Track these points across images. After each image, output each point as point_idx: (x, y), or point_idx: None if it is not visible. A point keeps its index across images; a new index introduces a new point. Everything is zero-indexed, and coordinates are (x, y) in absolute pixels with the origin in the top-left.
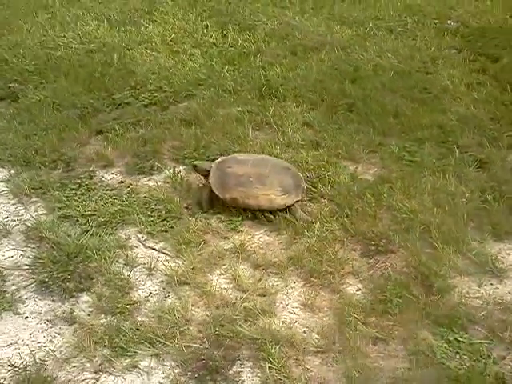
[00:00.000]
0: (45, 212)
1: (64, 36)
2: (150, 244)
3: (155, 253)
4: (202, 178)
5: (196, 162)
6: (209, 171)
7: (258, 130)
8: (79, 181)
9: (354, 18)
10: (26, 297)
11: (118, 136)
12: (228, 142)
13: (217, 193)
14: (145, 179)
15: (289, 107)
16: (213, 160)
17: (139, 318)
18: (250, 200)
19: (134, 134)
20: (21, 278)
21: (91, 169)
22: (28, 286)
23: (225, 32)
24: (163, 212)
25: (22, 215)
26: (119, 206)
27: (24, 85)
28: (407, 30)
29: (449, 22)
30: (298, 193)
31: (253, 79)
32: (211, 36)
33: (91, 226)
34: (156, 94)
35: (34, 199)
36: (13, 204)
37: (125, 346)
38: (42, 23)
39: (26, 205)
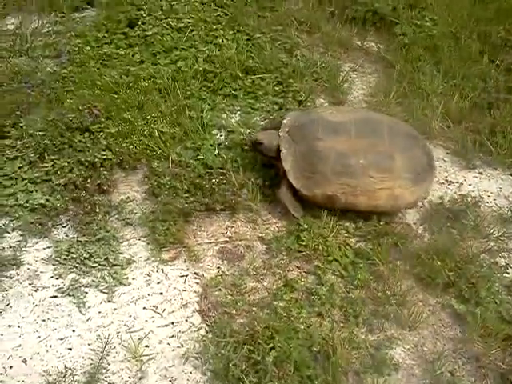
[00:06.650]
0: None
1: None
2: None
3: None
4: (269, 160)
5: (259, 136)
6: (280, 150)
7: None
8: None
9: None
10: None
11: None
12: None
13: (297, 187)
14: None
15: None
16: None
17: None
18: (358, 198)
19: None
20: None
21: None
22: None
23: None
24: None
25: None
26: None
27: None
28: None
29: None
30: (431, 179)
31: None
32: None
33: None
34: None
35: None
36: None
37: None
38: None
39: None
